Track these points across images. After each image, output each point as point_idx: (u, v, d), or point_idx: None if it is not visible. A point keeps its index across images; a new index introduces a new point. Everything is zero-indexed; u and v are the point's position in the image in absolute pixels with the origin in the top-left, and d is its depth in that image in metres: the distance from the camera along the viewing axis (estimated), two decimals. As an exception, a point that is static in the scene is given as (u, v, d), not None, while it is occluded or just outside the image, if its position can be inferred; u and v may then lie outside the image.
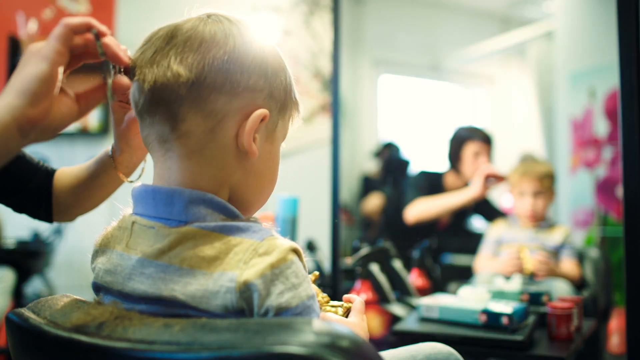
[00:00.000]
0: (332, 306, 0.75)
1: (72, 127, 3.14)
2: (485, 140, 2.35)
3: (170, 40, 0.60)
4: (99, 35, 0.60)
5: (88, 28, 0.59)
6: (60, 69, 0.58)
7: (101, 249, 0.64)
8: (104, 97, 0.63)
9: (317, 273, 0.75)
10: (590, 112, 3.03)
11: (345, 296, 0.75)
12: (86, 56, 0.63)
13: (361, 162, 3.65)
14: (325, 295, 0.76)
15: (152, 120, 0.61)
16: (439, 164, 2.54)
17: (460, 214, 2.48)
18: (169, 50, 0.59)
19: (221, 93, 0.59)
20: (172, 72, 0.58)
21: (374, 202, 3.35)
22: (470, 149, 2.33)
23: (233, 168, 0.62)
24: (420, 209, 2.25)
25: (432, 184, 2.40)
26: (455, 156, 2.38)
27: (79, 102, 0.62)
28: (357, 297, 0.74)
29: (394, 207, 2.41)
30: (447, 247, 2.46)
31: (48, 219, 0.91)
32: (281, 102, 0.65)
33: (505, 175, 2.08)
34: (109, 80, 0.61)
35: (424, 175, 2.43)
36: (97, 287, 0.64)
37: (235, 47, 0.60)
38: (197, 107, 0.59)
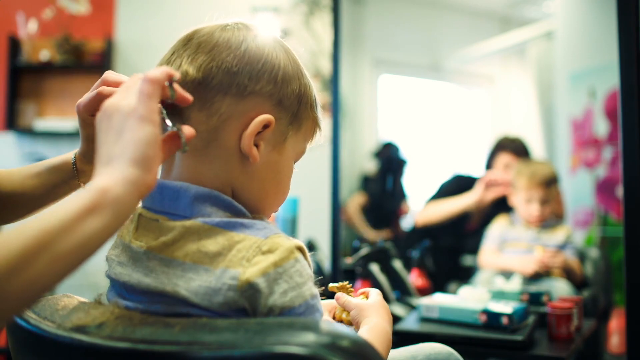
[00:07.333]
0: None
1: (71, 127, 3.14)
2: (517, 152, 2.33)
3: (187, 42, 0.63)
4: (171, 82, 0.57)
5: (169, 78, 0.56)
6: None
7: (115, 240, 0.65)
8: (177, 147, 0.58)
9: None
10: (590, 112, 3.02)
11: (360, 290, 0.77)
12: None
13: (361, 162, 3.64)
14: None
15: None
16: (444, 167, 2.54)
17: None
18: (183, 52, 0.62)
19: (227, 95, 0.60)
20: (182, 70, 0.60)
21: (355, 201, 3.30)
22: (501, 159, 2.33)
23: (236, 171, 0.62)
24: (426, 214, 2.28)
25: (466, 187, 2.37)
26: (489, 164, 2.40)
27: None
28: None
29: (383, 205, 2.41)
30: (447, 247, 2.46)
31: None
32: (293, 112, 0.64)
33: (509, 181, 2.09)
34: (181, 134, 0.57)
35: (458, 178, 2.43)
36: (110, 278, 0.64)
37: (246, 52, 0.61)
38: (202, 105, 0.60)
